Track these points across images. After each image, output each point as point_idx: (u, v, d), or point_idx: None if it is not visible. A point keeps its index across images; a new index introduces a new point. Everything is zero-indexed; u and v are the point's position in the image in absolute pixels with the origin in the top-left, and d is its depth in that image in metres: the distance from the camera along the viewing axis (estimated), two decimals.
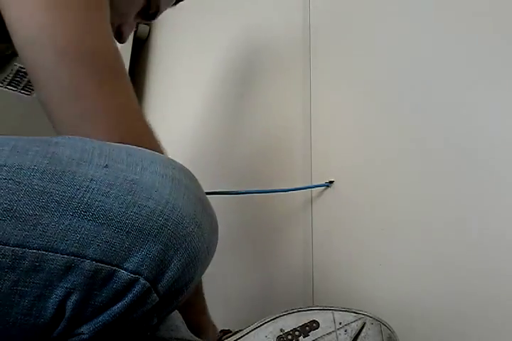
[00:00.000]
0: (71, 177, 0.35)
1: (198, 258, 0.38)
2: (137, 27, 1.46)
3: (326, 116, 0.71)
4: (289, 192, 0.69)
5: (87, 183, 0.35)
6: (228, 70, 1.02)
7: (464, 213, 0.49)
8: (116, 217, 0.35)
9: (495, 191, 0.47)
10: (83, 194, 0.35)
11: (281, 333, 0.40)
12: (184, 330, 0.50)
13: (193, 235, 0.38)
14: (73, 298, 0.34)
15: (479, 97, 0.50)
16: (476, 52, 0.52)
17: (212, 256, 0.42)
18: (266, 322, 0.41)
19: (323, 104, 0.72)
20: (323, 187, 0.67)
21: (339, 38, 0.72)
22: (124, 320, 0.36)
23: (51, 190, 0.34)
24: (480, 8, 0.52)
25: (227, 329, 0.47)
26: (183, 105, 1.20)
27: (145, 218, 0.36)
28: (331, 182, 0.66)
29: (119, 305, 0.35)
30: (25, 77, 2.29)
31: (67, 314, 0.35)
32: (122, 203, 0.35)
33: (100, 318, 0.35)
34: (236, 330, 0.44)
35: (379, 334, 0.41)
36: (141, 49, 1.54)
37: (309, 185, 0.69)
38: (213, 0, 1.17)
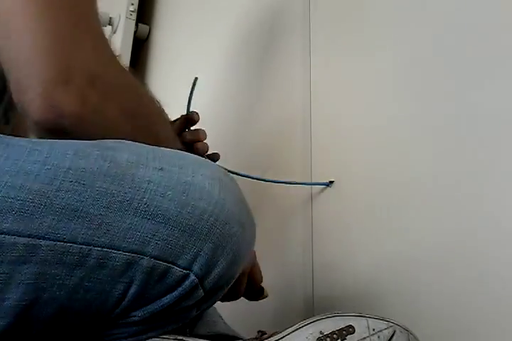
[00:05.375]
0: (131, 179, 0.37)
1: (240, 257, 0.41)
2: (137, 27, 1.47)
3: (327, 115, 0.71)
4: (288, 185, 0.69)
5: (146, 185, 0.37)
6: (228, 70, 1.03)
7: (465, 212, 0.49)
8: (172, 216, 0.37)
9: (500, 191, 0.47)
10: (142, 195, 0.37)
11: (321, 335, 0.42)
12: (222, 325, 0.52)
13: (238, 235, 0.40)
14: (131, 291, 0.37)
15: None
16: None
17: (249, 256, 0.45)
18: (307, 324, 0.43)
19: (323, 102, 0.73)
20: (323, 186, 0.67)
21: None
22: (169, 310, 0.39)
23: (113, 192, 0.36)
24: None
25: (263, 330, 0.48)
26: (182, 104, 1.20)
27: (197, 217, 0.38)
28: (331, 182, 0.66)
29: (168, 297, 0.38)
30: None
31: (123, 303, 0.38)
32: (177, 203, 0.38)
33: (149, 306, 0.38)
34: (274, 331, 0.46)
35: None
36: (141, 49, 1.54)
37: (309, 182, 0.69)
38: (213, 0, 1.17)
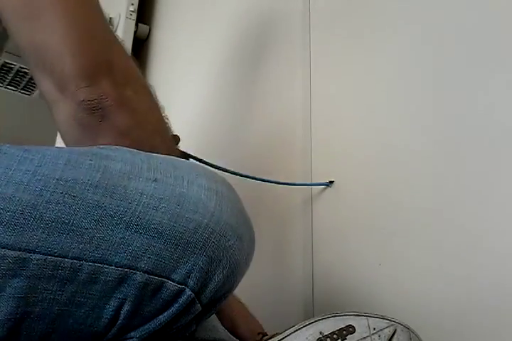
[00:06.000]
0: (123, 191, 0.36)
1: (238, 269, 0.40)
2: (137, 27, 1.46)
3: (327, 115, 0.71)
4: (288, 186, 0.69)
5: (138, 197, 0.37)
6: (228, 69, 1.03)
7: (465, 212, 0.49)
8: (165, 230, 0.36)
9: (499, 191, 0.47)
10: (135, 208, 0.36)
11: (321, 336, 0.42)
12: (221, 330, 0.52)
13: (235, 247, 0.39)
14: (125, 307, 0.36)
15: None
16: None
17: (248, 267, 0.44)
18: (306, 325, 0.43)
19: (323, 102, 0.73)
20: (323, 186, 0.67)
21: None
22: (168, 327, 0.38)
23: (105, 204, 0.35)
24: None
25: (264, 332, 0.48)
26: (182, 104, 1.20)
27: (192, 231, 0.37)
28: (331, 182, 0.66)
29: (165, 314, 0.37)
30: (25, 77, 2.30)
31: (118, 322, 0.36)
32: (171, 216, 0.37)
33: (147, 326, 0.37)
34: (275, 333, 0.46)
35: None
36: (141, 49, 1.54)
37: (309, 182, 0.69)
38: (213, 0, 1.17)
